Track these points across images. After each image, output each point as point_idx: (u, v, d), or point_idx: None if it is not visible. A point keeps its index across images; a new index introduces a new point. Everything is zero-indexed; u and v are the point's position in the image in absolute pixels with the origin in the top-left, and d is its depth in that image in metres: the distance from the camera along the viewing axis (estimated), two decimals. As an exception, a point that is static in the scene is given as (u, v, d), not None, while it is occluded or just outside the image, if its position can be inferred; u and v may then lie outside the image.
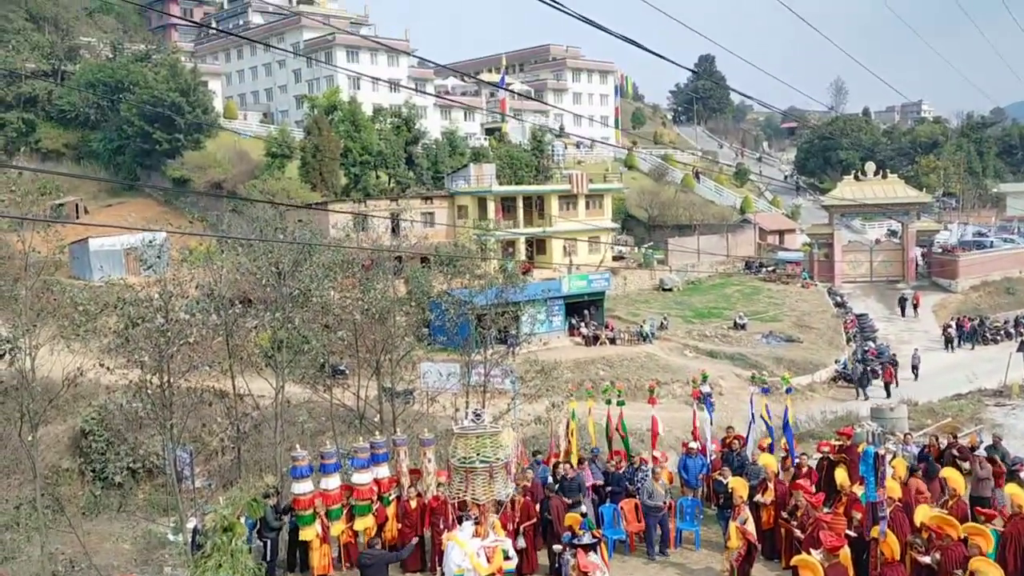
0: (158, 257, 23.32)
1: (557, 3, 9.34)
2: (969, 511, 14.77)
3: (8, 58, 66.14)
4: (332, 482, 15.22)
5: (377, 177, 61.87)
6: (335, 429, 26.47)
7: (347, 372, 30.23)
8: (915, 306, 55.82)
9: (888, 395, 38.84)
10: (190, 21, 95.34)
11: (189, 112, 62.12)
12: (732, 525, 14.20)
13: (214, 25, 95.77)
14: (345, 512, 15.33)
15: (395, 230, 50.25)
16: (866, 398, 39.39)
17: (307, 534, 14.97)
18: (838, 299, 58.28)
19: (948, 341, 50.08)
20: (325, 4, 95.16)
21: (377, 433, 21.08)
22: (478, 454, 13.88)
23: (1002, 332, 52.16)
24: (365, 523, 15.26)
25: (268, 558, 14.95)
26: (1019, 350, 42.77)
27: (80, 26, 78.94)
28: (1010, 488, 14.01)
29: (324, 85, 74.78)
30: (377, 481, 15.57)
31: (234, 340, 24.14)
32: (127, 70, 64.72)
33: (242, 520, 11.54)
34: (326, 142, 57.27)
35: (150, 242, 24.28)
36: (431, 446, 16.15)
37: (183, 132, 62.11)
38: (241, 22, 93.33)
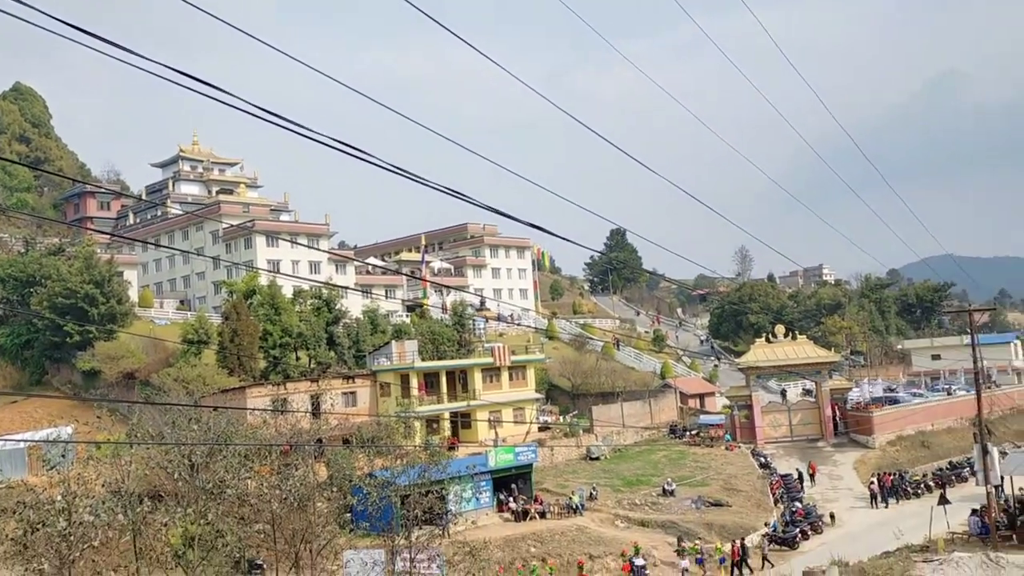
0: (62, 456, 22.33)
1: (468, 197, 9.85)
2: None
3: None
4: None
5: (297, 359, 61.32)
6: (251, 631, 24.83)
7: (264, 566, 28.71)
8: (812, 475, 55.37)
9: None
10: (99, 230, 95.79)
11: (103, 303, 61.27)
12: None
13: (131, 217, 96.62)
14: None
15: (316, 412, 49.33)
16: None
17: None
18: (762, 460, 58.72)
19: (872, 497, 50.64)
20: (245, 193, 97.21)
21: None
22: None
23: (922, 486, 53.02)
24: None
25: None
26: (939, 503, 43.40)
27: (-9, 222, 78.58)
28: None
29: (244, 271, 75.18)
30: None
31: (142, 539, 22.86)
32: (39, 264, 64.07)
33: None
34: (244, 326, 56.87)
35: (54, 440, 23.31)
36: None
37: (96, 323, 60.99)
38: (160, 212, 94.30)
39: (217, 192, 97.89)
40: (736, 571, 37.65)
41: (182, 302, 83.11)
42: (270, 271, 69.11)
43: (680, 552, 40.29)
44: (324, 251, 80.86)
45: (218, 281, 78.89)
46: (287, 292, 64.52)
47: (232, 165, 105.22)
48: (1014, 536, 30.69)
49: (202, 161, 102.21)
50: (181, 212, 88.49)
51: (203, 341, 59.00)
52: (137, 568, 22.55)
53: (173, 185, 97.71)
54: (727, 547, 39.64)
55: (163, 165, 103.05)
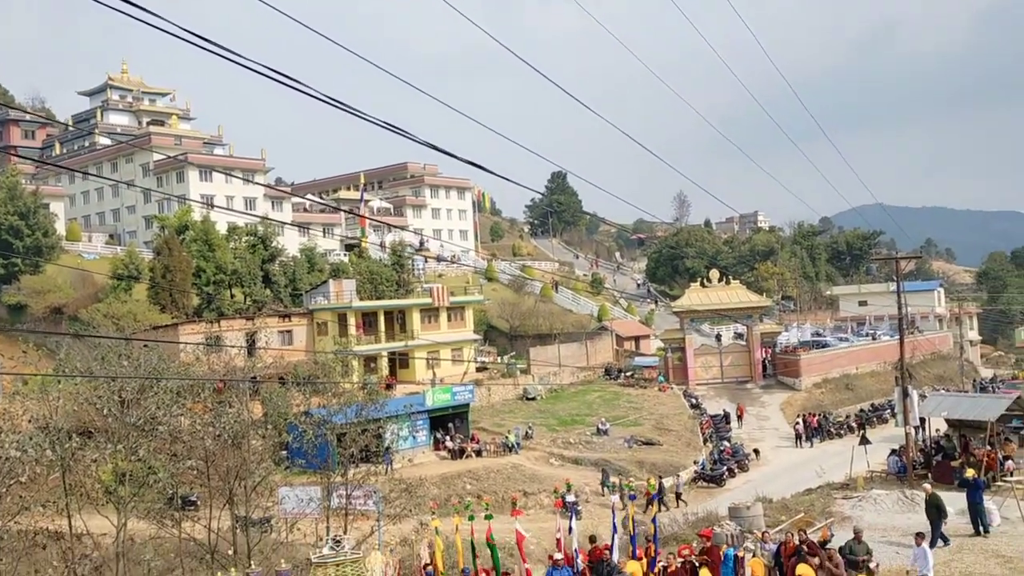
0: (-14, 390, 21.71)
1: (408, 133, 9.65)
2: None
3: None
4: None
5: (232, 296, 60.33)
6: (184, 566, 24.76)
7: (198, 503, 28.58)
8: (739, 416, 57.25)
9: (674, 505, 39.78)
10: (25, 157, 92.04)
11: (28, 235, 59.27)
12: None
13: (57, 147, 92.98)
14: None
15: (251, 350, 48.70)
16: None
17: None
18: (693, 401, 60.24)
19: (797, 437, 52.45)
20: (177, 125, 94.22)
21: (233, 570, 19.88)
22: (338, 583, 13.34)
23: (845, 427, 55.10)
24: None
25: None
26: (860, 443, 45.14)
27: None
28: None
29: (176, 205, 73.16)
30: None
31: (72, 476, 22.48)
32: (-41, 193, 61.44)
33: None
34: (176, 262, 55.62)
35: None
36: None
37: (21, 256, 59.03)
38: (87, 143, 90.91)
39: (148, 123, 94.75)
40: (649, 506, 38.87)
41: (111, 236, 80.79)
42: (204, 204, 67.44)
43: (608, 487, 41.26)
44: (261, 184, 79.11)
45: (149, 215, 76.77)
46: (221, 228, 63.14)
47: (163, 95, 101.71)
48: (929, 475, 32.09)
49: (132, 91, 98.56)
50: (110, 143, 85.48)
51: (134, 276, 57.64)
52: (67, 504, 22.22)
53: (101, 115, 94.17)
54: (665, 482, 40.92)
55: (91, 94, 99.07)
